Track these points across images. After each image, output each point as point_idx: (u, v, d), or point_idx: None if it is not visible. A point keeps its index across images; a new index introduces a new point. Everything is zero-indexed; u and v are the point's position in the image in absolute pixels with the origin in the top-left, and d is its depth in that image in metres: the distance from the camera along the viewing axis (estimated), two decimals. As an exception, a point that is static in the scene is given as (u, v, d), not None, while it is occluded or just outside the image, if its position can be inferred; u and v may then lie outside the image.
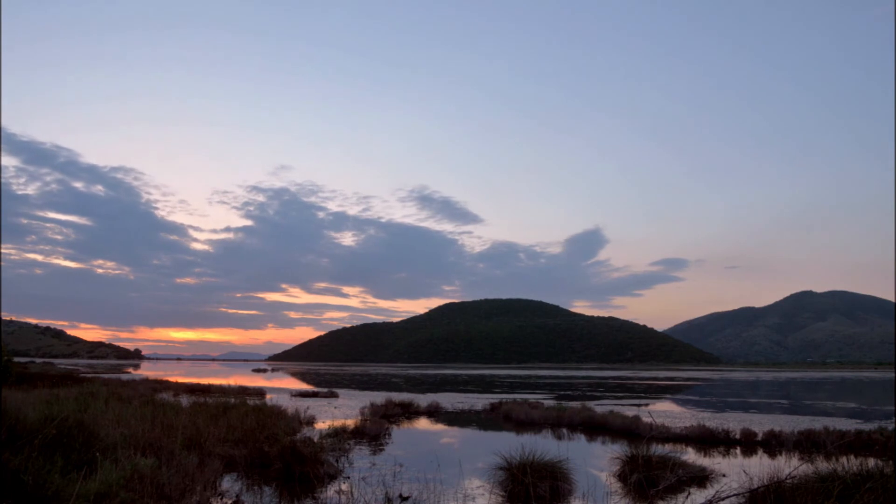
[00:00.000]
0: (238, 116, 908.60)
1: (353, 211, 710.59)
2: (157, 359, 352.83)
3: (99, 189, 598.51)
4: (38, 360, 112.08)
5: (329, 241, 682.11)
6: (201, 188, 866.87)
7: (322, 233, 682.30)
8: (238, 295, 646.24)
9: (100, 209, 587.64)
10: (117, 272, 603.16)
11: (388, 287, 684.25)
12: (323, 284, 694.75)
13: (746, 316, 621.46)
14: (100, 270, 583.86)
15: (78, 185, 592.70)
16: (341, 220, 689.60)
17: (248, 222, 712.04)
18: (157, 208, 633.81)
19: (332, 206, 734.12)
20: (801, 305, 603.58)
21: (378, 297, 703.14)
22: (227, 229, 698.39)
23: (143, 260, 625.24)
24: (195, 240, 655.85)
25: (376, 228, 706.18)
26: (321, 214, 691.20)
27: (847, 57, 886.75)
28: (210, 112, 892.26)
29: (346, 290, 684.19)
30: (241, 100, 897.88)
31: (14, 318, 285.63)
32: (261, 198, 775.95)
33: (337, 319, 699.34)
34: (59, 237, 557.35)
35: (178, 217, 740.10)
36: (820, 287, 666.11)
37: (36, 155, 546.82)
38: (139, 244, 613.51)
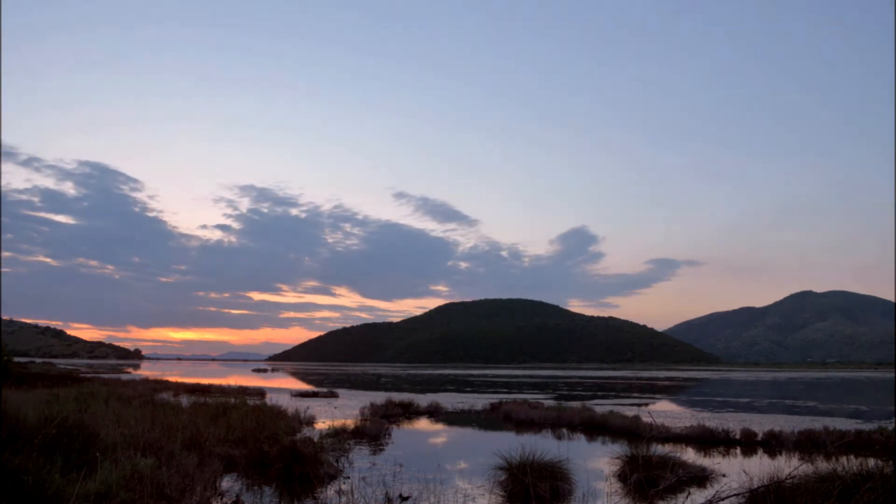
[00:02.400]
0: (207, 114, 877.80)
1: (335, 210, 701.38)
2: (157, 359, 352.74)
3: (69, 186, 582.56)
4: (38, 360, 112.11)
5: (312, 240, 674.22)
6: (171, 186, 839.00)
7: (304, 232, 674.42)
8: (226, 294, 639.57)
9: (72, 206, 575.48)
10: (101, 271, 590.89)
11: (376, 286, 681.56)
12: (311, 283, 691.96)
13: (746, 316, 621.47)
14: (83, 269, 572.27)
15: (47, 182, 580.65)
16: (322, 220, 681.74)
17: (226, 221, 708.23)
18: (131, 205, 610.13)
19: (311, 205, 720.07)
20: (801, 305, 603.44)
21: (367, 297, 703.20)
22: (204, 227, 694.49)
23: (124, 258, 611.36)
24: (173, 238, 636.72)
25: (359, 227, 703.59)
26: (296, 212, 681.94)
27: (846, 54, 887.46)
28: (177, 109, 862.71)
29: (335, 289, 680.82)
30: (209, 98, 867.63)
31: (14, 318, 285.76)
32: (235, 197, 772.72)
33: (330, 319, 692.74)
34: (35, 235, 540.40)
35: (154, 215, 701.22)
36: (820, 287, 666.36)
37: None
38: (117, 242, 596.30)
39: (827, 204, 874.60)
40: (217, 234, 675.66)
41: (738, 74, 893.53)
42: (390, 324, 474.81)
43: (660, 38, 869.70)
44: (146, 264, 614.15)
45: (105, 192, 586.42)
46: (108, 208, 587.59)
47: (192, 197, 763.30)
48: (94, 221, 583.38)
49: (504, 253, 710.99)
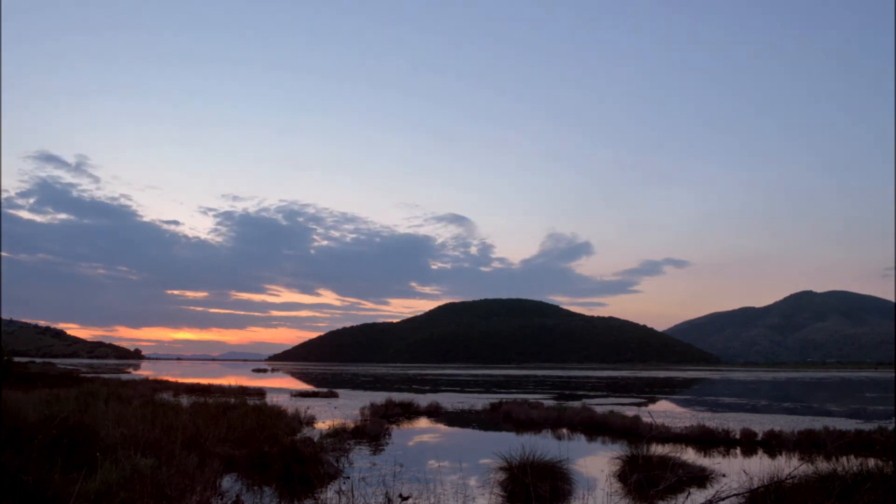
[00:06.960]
0: (182, 113, 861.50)
1: (323, 213, 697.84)
2: (157, 359, 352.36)
3: (13, 180, 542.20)
4: (38, 360, 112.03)
5: (299, 240, 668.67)
6: (143, 183, 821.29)
7: (290, 231, 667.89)
8: (205, 294, 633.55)
9: (18, 201, 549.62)
10: (72, 269, 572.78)
11: (358, 285, 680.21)
12: (289, 281, 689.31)
13: (746, 316, 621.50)
14: (53, 267, 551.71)
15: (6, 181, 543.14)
16: (309, 220, 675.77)
17: (193, 219, 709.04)
18: (101, 202, 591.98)
19: (297, 206, 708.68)
20: (801, 305, 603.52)
21: (350, 296, 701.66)
22: (162, 221, 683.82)
23: (92, 255, 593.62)
24: (153, 236, 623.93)
25: (346, 229, 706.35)
26: (267, 212, 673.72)
27: (845, 51, 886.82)
28: (154, 108, 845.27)
29: (315, 288, 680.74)
30: (184, 98, 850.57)
31: (13, 319, 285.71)
32: (205, 195, 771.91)
33: (318, 319, 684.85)
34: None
35: (128, 212, 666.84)
36: (820, 287, 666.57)
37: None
38: (82, 239, 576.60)
39: (827, 204, 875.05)
40: (181, 230, 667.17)
41: (739, 64, 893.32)
42: (390, 324, 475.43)
43: (661, 31, 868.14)
44: (116, 262, 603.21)
45: (51, 187, 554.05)
46: (63, 203, 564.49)
47: (172, 196, 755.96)
48: (50, 216, 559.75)
49: (473, 250, 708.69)
